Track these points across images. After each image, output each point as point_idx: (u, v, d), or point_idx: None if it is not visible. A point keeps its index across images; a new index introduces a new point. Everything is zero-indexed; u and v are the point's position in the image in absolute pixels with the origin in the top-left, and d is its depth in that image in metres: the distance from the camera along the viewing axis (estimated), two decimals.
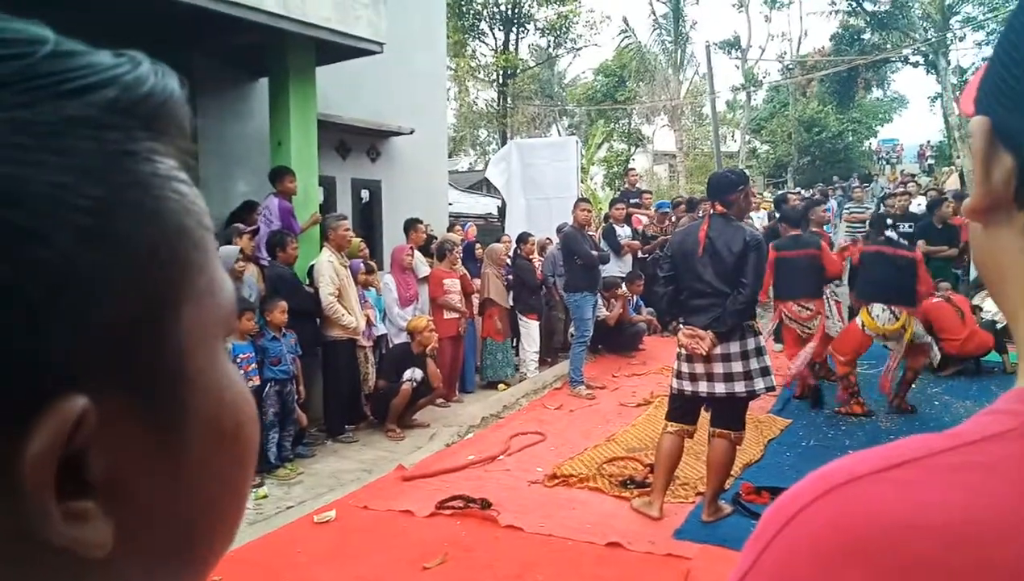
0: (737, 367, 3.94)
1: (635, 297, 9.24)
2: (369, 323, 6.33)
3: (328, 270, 5.78)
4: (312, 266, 5.96)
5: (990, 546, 0.38)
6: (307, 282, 6.00)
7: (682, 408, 4.18)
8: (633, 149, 30.86)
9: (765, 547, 0.43)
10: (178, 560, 0.34)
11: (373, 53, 6.43)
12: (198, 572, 0.36)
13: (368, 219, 8.91)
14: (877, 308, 5.82)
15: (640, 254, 9.76)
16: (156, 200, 0.32)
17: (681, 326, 4.15)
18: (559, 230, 7.51)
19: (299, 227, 6.09)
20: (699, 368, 4.01)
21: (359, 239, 7.31)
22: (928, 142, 31.57)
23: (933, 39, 23.69)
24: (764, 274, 4.22)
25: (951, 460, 0.41)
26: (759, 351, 4.01)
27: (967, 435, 0.42)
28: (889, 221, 8.21)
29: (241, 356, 4.95)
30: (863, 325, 5.87)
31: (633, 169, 15.13)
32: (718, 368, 3.96)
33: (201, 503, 0.34)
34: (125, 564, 0.31)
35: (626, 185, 12.54)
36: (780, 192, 13.50)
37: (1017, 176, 0.45)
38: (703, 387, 4.01)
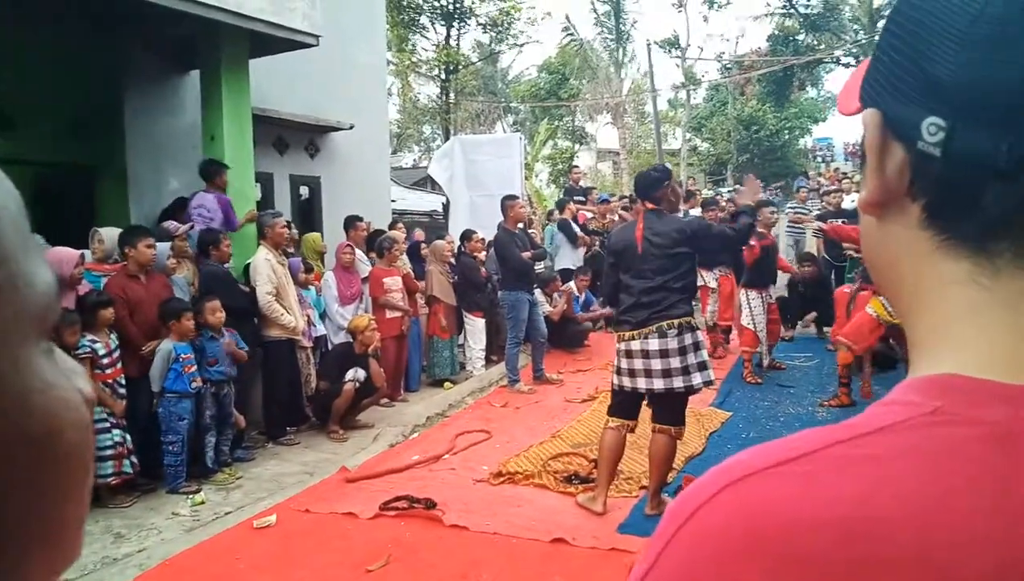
0: (675, 362, 3.97)
1: (583, 293, 9.29)
2: (309, 323, 6.19)
3: (265, 268, 5.63)
4: (248, 265, 5.79)
5: (884, 539, 0.38)
6: (244, 281, 5.83)
7: (623, 404, 4.20)
8: (577, 146, 31.07)
9: (665, 546, 0.43)
10: None
11: (309, 46, 6.29)
12: None
13: (308, 216, 8.73)
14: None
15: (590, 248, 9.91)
16: None
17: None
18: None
19: (238, 222, 5.92)
20: (637, 364, 4.03)
21: (317, 234, 7.19)
22: (861, 141, 32.54)
23: (863, 40, 24.53)
24: (723, 232, 4.34)
25: (847, 452, 0.41)
26: (697, 346, 4.05)
27: (862, 426, 0.43)
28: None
29: (183, 357, 4.80)
30: (876, 314, 5.82)
31: (576, 167, 15.21)
32: (656, 364, 3.98)
33: (9, 520, 0.32)
34: None
35: (570, 183, 12.60)
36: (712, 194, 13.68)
37: (911, 167, 0.45)
38: (642, 383, 4.03)
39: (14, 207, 0.33)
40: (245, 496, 4.75)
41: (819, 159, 33.82)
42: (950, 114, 0.42)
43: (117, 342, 4.67)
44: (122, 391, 4.63)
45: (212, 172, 5.88)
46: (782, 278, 8.65)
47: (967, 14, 0.42)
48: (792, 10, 28.06)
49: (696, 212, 9.62)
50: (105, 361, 4.52)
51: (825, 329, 9.03)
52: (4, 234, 0.31)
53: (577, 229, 9.86)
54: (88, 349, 4.39)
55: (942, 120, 0.42)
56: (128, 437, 4.58)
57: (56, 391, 0.34)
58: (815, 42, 28.89)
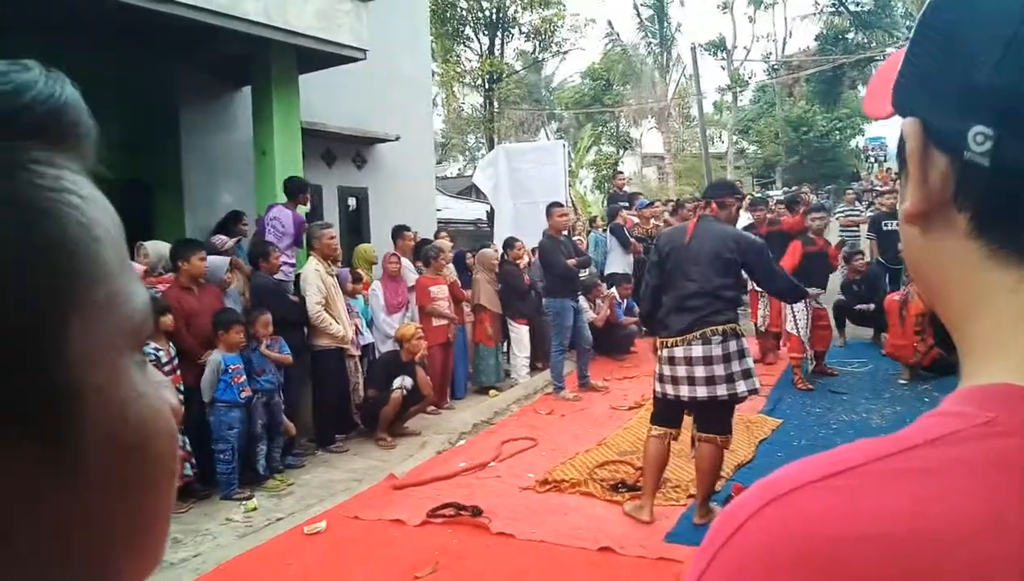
0: (719, 370, 3.89)
1: (625, 299, 9.24)
2: (357, 331, 6.29)
3: (315, 279, 5.74)
4: (298, 275, 5.92)
5: (932, 554, 0.37)
6: (294, 291, 5.96)
7: (665, 411, 4.15)
8: (622, 152, 30.92)
9: (710, 561, 0.42)
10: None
11: (356, 60, 6.42)
12: None
13: (356, 227, 8.88)
14: None
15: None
16: (35, 213, 0.31)
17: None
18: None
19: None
20: (680, 371, 3.96)
21: (370, 245, 7.33)
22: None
23: None
24: (773, 270, 4.33)
25: (895, 465, 0.40)
26: (741, 354, 3.96)
27: (911, 439, 0.41)
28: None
29: (232, 367, 4.92)
30: None
31: (621, 173, 15.13)
32: (699, 371, 3.90)
33: (103, 523, 0.33)
34: None
35: (613, 189, 12.55)
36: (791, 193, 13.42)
37: (955, 177, 0.44)
38: (685, 391, 3.96)
39: (115, 230, 0.35)
40: (296, 502, 4.83)
41: (871, 160, 32.94)
42: (997, 123, 0.41)
43: (176, 350, 4.83)
44: (180, 398, 4.76)
45: (297, 190, 6.07)
46: (835, 283, 8.45)
47: (1012, 18, 0.41)
48: (842, 8, 27.50)
49: (744, 217, 9.48)
50: (166, 368, 4.66)
51: (883, 335, 8.79)
52: (106, 255, 0.34)
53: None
54: (152, 356, 4.53)
55: (989, 129, 0.41)
56: (187, 440, 4.72)
57: (148, 401, 0.36)
58: (866, 40, 28.24)
